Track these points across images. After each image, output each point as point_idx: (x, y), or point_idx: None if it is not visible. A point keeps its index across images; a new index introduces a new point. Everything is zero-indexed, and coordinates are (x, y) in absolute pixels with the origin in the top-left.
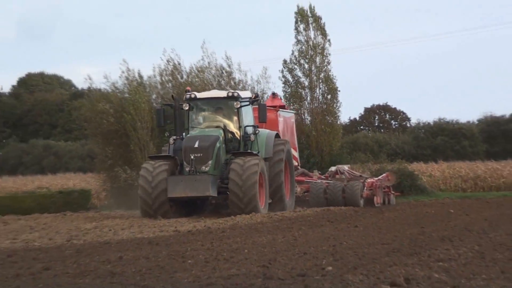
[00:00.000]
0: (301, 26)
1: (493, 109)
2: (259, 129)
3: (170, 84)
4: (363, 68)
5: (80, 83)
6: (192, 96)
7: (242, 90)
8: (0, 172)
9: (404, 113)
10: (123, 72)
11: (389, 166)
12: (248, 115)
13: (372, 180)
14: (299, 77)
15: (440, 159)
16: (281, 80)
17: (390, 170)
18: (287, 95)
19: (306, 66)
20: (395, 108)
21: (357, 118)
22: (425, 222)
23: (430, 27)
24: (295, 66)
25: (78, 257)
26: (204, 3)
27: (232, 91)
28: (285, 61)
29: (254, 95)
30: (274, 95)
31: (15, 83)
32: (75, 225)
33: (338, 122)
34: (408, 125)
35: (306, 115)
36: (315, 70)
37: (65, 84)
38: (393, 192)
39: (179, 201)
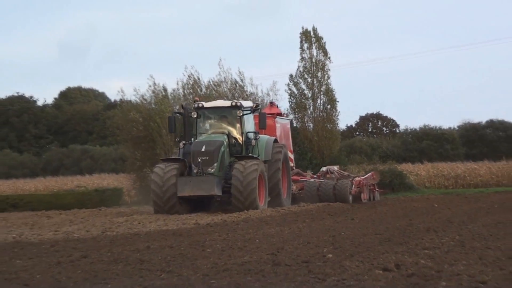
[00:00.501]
0: (305, 45)
1: (471, 117)
2: (260, 135)
3: (191, 96)
4: (359, 81)
5: (113, 96)
6: (200, 105)
7: (244, 100)
8: (44, 173)
9: (394, 121)
10: (150, 86)
11: (381, 167)
12: (250, 122)
13: (359, 178)
14: (303, 89)
15: (425, 160)
16: (287, 92)
17: (375, 170)
18: (292, 105)
19: (309, 80)
20: (386, 116)
21: (353, 125)
22: (413, 215)
23: (417, 45)
24: (300, 80)
25: (111, 247)
26: (220, 25)
27: (236, 101)
28: (291, 76)
29: (255, 105)
30: (272, 104)
31: (56, 95)
32: (108, 219)
33: (337, 129)
34: (398, 131)
35: (309, 122)
36: (317, 84)
37: (99, 96)
38: (377, 189)
39: (187, 199)
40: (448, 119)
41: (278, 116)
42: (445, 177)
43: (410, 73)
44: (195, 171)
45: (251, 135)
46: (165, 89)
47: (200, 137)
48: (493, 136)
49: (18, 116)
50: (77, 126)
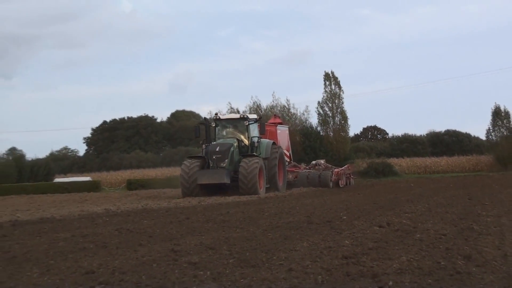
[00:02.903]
0: (327, 83)
1: (435, 127)
2: (262, 139)
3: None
4: (363, 105)
5: (204, 115)
6: (217, 117)
7: (251, 114)
8: (161, 165)
9: (385, 130)
10: (228, 109)
11: (377, 160)
12: (254, 129)
13: (338, 169)
14: (326, 111)
15: (405, 156)
16: (316, 112)
17: (349, 162)
18: (319, 121)
19: (330, 105)
20: (380, 127)
21: (359, 133)
22: (397, 191)
23: (400, 81)
24: (324, 105)
25: (204, 212)
26: (272, 70)
27: (243, 114)
28: (318, 102)
29: (258, 117)
30: (275, 116)
31: (169, 115)
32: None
33: (348, 136)
34: (387, 137)
35: (330, 132)
36: (334, 107)
37: (196, 116)
38: (352, 177)
39: (206, 186)
40: (420, 128)
41: (279, 125)
42: (418, 167)
43: (396, 99)
44: (211, 165)
45: (255, 139)
46: (238, 111)
47: (218, 141)
48: (449, 140)
49: (145, 129)
50: (182, 135)
